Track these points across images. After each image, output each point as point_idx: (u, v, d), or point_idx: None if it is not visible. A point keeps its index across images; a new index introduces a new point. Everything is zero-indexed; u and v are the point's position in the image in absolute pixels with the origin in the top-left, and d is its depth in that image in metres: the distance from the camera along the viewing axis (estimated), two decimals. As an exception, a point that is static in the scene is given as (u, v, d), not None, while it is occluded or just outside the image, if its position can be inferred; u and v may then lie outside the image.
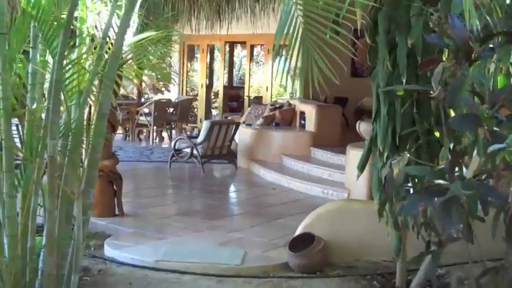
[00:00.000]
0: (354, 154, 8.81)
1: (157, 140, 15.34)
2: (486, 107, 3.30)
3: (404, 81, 4.78)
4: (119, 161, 7.54)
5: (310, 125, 11.58)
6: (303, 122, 12.02)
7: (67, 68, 3.98)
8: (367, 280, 5.44)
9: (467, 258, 4.79)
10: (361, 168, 5.35)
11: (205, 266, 5.70)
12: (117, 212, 7.49)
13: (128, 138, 15.21)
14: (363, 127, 8.96)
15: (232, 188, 10.66)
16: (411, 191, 4.47)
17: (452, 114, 4.11)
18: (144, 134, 15.76)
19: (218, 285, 5.35)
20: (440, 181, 3.63)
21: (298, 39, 4.13)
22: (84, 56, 4.20)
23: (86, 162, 4.12)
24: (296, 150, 11.23)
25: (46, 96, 3.93)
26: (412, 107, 4.84)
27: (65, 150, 4.14)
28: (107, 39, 4.17)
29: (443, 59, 3.79)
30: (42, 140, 3.93)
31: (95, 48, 4.17)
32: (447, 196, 3.37)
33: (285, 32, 4.17)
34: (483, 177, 3.62)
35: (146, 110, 15.12)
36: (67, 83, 4.04)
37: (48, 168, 3.79)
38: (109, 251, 6.15)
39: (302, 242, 5.87)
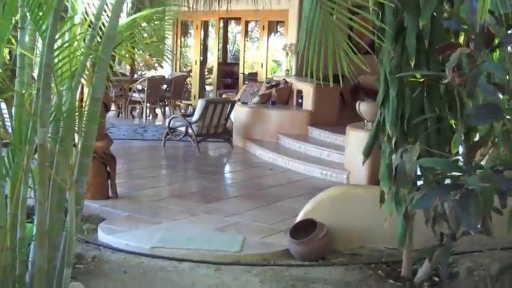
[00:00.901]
0: (354, 135, 8.64)
1: (150, 117, 15.10)
2: (507, 98, 3.08)
3: (412, 64, 4.57)
4: (112, 141, 7.30)
5: (308, 103, 11.35)
6: (300, 100, 11.79)
7: (58, 51, 3.74)
8: (372, 269, 5.25)
9: (477, 247, 4.64)
10: (367, 153, 5.14)
11: (202, 253, 5.51)
12: (110, 194, 7.27)
13: (120, 115, 14.95)
14: (363, 107, 8.77)
15: (228, 168, 10.45)
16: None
17: (467, 100, 3.91)
18: (137, 110, 15.51)
19: (217, 274, 5.16)
20: (455, 173, 3.44)
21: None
22: (78, 37, 3.94)
23: (78, 149, 3.90)
24: (293, 129, 11.02)
25: (36, 80, 3.68)
26: (422, 92, 4.63)
27: (56, 136, 3.91)
28: (100, 19, 3.92)
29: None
30: (32, 126, 3.69)
31: (89, 27, 3.91)
32: (464, 190, 3.17)
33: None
34: (501, 168, 3.42)
35: (139, 87, 14.87)
36: (58, 66, 3.80)
37: (38, 157, 3.55)
38: (103, 236, 5.94)
39: (303, 229, 5.68)
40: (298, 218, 5.86)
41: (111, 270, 5.20)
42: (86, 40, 4.09)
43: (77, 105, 3.89)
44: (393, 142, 4.69)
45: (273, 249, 5.69)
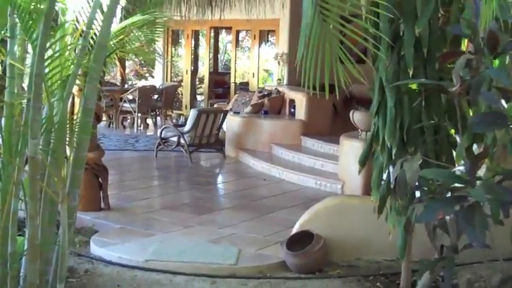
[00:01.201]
0: (349, 144, 8.57)
1: (141, 127, 14.98)
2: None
3: (411, 73, 4.50)
4: (104, 152, 7.19)
5: (300, 113, 11.27)
6: (292, 110, 11.71)
7: (49, 60, 3.65)
8: (370, 281, 5.16)
9: (477, 259, 4.55)
10: (363, 162, 5.05)
11: (197, 266, 5.40)
12: (102, 206, 7.16)
13: (111, 126, 14.82)
14: (357, 117, 8.69)
15: (221, 178, 10.34)
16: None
17: (467, 109, 3.83)
18: (128, 121, 15.39)
19: (212, 287, 5.05)
20: (457, 184, 3.36)
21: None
22: (69, 47, 3.85)
23: (70, 161, 3.80)
24: (286, 139, 10.94)
25: (26, 90, 3.58)
26: (421, 101, 4.55)
27: (47, 147, 3.82)
28: (92, 28, 3.84)
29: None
30: (22, 137, 3.60)
31: (80, 36, 3.83)
32: (466, 202, 3.09)
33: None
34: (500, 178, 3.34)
35: (130, 97, 14.74)
36: (49, 76, 3.71)
37: (30, 169, 3.46)
38: (95, 249, 5.82)
39: (300, 240, 5.58)
40: (294, 230, 5.76)
41: (105, 284, 5.08)
42: (77, 49, 4.01)
43: (68, 116, 3.80)
44: (388, 152, 4.61)
45: (268, 261, 5.59)
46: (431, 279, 4.80)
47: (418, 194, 4.22)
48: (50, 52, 3.67)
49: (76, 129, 3.78)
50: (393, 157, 4.65)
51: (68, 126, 3.77)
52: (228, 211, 7.49)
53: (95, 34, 3.90)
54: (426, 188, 3.94)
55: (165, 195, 8.23)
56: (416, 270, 5.22)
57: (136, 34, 4.55)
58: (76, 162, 3.80)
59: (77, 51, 4.08)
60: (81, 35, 3.84)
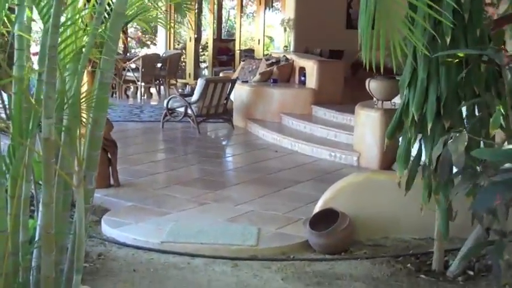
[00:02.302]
0: (365, 115, 8.25)
1: (145, 97, 14.64)
2: None
3: (448, 40, 4.16)
4: (113, 126, 6.87)
5: (311, 81, 10.91)
6: (302, 78, 11.35)
7: (61, 29, 3.30)
8: (400, 262, 4.87)
9: None
10: (390, 136, 4.72)
11: (216, 248, 5.11)
12: (112, 183, 6.86)
13: (114, 95, 14.46)
14: (373, 85, 8.34)
15: (231, 150, 10.01)
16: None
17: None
18: (131, 90, 15.04)
19: (234, 271, 4.76)
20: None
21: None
22: (84, 12, 3.50)
23: (86, 141, 3.47)
24: (296, 109, 10.62)
25: (37, 64, 3.23)
26: (460, 73, 4.21)
27: (60, 125, 3.49)
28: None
29: None
30: (34, 116, 3.26)
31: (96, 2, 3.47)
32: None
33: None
34: None
35: (133, 66, 14.38)
36: (62, 47, 3.37)
37: (43, 152, 3.12)
38: (107, 229, 5.52)
39: (323, 219, 5.29)
40: (317, 207, 5.46)
41: (120, 268, 4.79)
42: (93, 18, 3.67)
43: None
44: (418, 126, 4.29)
45: (291, 241, 5.29)
46: (466, 260, 4.55)
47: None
48: (62, 19, 3.31)
49: (92, 106, 3.44)
50: (429, 132, 4.33)
51: (83, 101, 3.43)
52: (243, 186, 7.18)
53: (111, 0, 3.54)
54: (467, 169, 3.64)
55: (175, 169, 7.90)
56: (449, 250, 4.98)
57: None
58: (92, 142, 3.46)
59: (92, 20, 3.74)
60: (96, 1, 3.48)
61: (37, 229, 3.55)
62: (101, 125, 3.51)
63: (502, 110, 3.91)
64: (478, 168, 3.52)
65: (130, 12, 3.78)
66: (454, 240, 5.21)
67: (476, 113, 4.30)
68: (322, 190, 6.72)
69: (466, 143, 3.33)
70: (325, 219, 5.27)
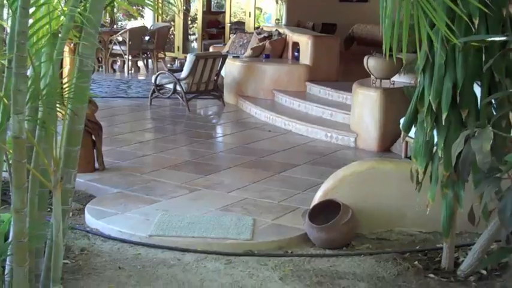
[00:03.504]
0: (363, 94, 7.89)
1: (132, 71, 14.17)
2: None
3: (477, 23, 3.75)
4: (97, 107, 6.46)
5: (305, 57, 10.49)
6: (296, 53, 10.93)
7: (33, 8, 2.89)
8: (407, 259, 4.53)
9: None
10: (407, 128, 4.34)
11: (209, 242, 4.75)
12: (97, 166, 6.47)
13: (100, 69, 13.98)
14: (372, 63, 7.95)
15: (222, 130, 9.57)
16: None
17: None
18: (118, 64, 14.56)
19: (228, 269, 4.40)
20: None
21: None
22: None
23: (63, 136, 3.09)
24: (290, 86, 10.22)
25: (6, 50, 2.82)
26: (479, 58, 3.83)
27: (35, 117, 3.10)
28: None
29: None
30: (3, 109, 2.87)
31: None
32: None
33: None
34: None
35: (120, 39, 13.89)
36: (34, 28, 2.97)
37: (14, 152, 2.73)
38: (91, 220, 5.15)
39: (323, 209, 4.94)
40: (317, 198, 5.10)
41: (104, 265, 4.42)
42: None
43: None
44: (443, 118, 3.91)
45: (288, 234, 4.94)
46: (478, 259, 4.22)
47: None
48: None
49: (70, 96, 3.05)
50: (443, 122, 3.96)
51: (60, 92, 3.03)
52: (235, 170, 6.80)
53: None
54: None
55: (164, 151, 7.50)
56: (459, 246, 4.65)
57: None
58: (71, 137, 3.09)
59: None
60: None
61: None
62: (81, 118, 3.14)
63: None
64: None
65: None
66: (463, 234, 4.91)
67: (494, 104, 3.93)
68: (319, 174, 6.42)
69: (491, 141, 2.97)
70: (325, 210, 4.92)
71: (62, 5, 3.14)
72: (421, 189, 4.26)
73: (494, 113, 3.97)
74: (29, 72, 2.90)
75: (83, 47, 2.97)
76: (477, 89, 4.02)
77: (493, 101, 3.95)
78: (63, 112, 3.08)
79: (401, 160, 6.31)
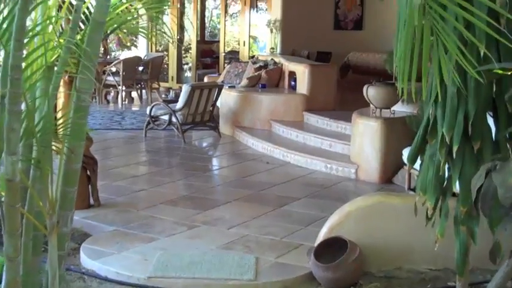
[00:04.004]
0: (363, 124, 7.73)
1: (126, 102, 14.00)
2: None
3: (483, 47, 3.57)
4: (92, 141, 6.24)
5: (302, 86, 10.34)
6: (293, 83, 10.78)
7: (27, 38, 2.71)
8: (419, 299, 4.33)
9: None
10: (412, 160, 4.15)
11: (210, 284, 4.53)
12: (92, 203, 6.25)
13: (94, 100, 13.78)
14: (372, 92, 7.80)
15: (219, 162, 9.34)
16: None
17: None
18: (112, 95, 14.39)
19: (231, 312, 4.19)
20: None
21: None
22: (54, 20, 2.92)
23: (59, 176, 2.89)
24: (287, 116, 10.05)
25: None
26: (491, 87, 3.67)
27: (29, 156, 2.90)
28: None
29: None
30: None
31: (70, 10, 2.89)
32: None
33: None
34: None
35: (114, 69, 13.74)
36: (28, 62, 2.78)
37: (7, 196, 2.52)
38: (87, 261, 4.92)
39: (329, 247, 4.73)
40: (322, 235, 4.89)
41: (101, 310, 4.20)
42: (63, 24, 3.11)
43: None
44: (454, 150, 3.72)
45: (293, 273, 4.73)
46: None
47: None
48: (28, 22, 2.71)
49: (66, 133, 2.86)
50: (454, 155, 3.77)
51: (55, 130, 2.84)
52: (235, 205, 6.58)
53: (87, 8, 2.97)
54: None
55: (160, 185, 7.29)
56: (473, 284, 4.45)
57: (136, 9, 3.61)
58: (68, 177, 2.89)
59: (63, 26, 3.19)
60: (71, 5, 2.90)
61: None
62: (79, 156, 2.94)
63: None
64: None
65: (108, 21, 3.19)
66: (475, 271, 4.70)
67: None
68: (321, 208, 6.23)
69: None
70: (331, 248, 4.72)
71: (58, 35, 2.96)
72: (430, 224, 4.06)
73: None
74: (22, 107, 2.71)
75: (80, 81, 2.78)
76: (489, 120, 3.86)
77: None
78: (59, 148, 2.88)
79: (407, 193, 6.11)
